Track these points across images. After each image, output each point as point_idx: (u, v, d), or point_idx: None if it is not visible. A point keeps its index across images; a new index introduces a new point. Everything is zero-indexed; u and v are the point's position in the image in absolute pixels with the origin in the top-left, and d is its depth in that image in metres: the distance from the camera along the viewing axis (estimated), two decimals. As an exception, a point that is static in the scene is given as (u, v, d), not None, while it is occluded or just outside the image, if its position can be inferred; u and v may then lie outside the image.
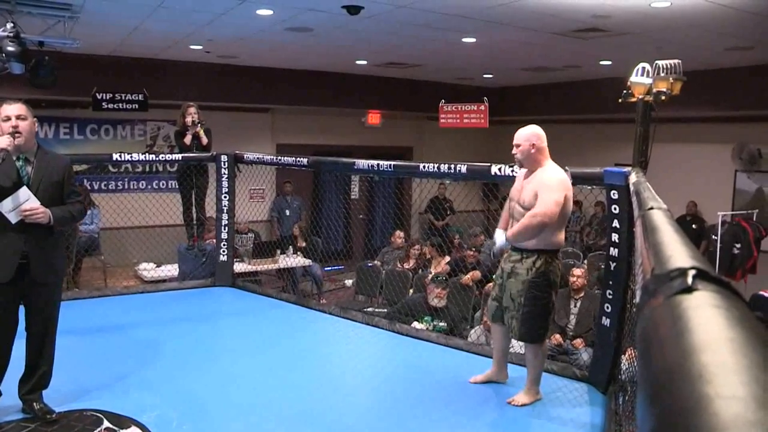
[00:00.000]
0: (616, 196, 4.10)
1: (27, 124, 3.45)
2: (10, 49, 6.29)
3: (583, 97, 10.94)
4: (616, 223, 4.11)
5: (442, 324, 5.99)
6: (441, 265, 7.74)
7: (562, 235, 3.89)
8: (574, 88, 11.14)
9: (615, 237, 4.11)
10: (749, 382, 0.41)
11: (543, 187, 3.75)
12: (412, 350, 5.05)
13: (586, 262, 7.50)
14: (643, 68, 4.39)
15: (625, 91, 4.44)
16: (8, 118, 3.40)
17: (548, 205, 3.68)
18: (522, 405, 3.95)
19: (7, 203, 3.32)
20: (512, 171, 4.56)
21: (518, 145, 3.90)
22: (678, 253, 0.83)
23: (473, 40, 7.67)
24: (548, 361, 4.73)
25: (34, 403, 3.63)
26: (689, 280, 0.61)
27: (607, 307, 4.19)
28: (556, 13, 6.12)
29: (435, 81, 11.92)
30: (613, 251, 4.12)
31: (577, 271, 6.15)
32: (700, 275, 0.63)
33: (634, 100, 4.42)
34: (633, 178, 3.71)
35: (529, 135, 3.91)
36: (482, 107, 9.53)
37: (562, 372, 4.49)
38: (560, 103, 11.65)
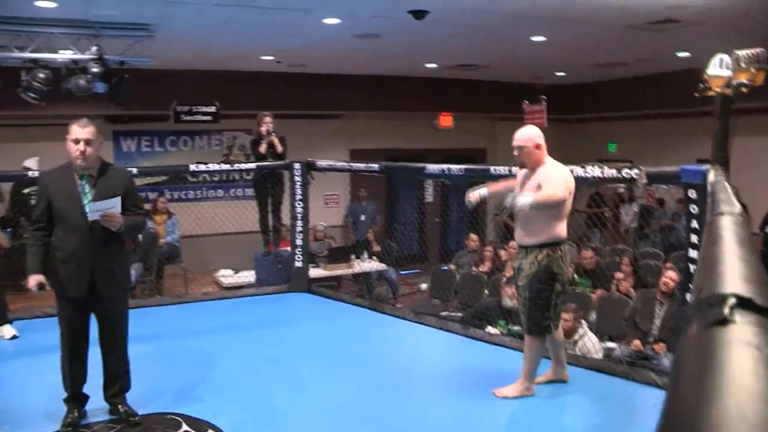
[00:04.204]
0: (694, 196, 3.94)
1: (94, 148, 3.57)
2: (94, 70, 6.65)
3: (661, 90, 10.56)
4: (694, 224, 3.95)
5: (516, 328, 5.89)
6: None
7: (563, 228, 3.87)
8: (651, 82, 10.75)
9: (694, 238, 3.95)
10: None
11: (545, 182, 3.77)
12: (486, 355, 4.99)
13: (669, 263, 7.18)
14: (721, 60, 4.19)
15: (701, 85, 4.25)
16: (77, 141, 3.53)
17: (555, 189, 3.71)
18: (505, 397, 3.98)
19: (97, 204, 3.49)
20: (571, 171, 4.47)
21: (522, 147, 3.87)
22: (730, 273, 0.78)
23: (543, 38, 7.53)
24: (626, 367, 4.59)
25: (119, 406, 3.79)
26: (726, 310, 0.57)
27: (688, 311, 4.02)
28: (627, 6, 5.94)
29: (506, 81, 11.76)
30: (693, 253, 3.96)
31: (671, 274, 5.84)
32: (743, 304, 0.59)
33: (712, 93, 4.23)
34: (711, 176, 3.55)
35: (532, 135, 3.88)
36: (540, 106, 9.32)
37: (640, 379, 4.33)
38: (636, 98, 11.28)
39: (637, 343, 5.59)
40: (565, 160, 4.82)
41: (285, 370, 4.67)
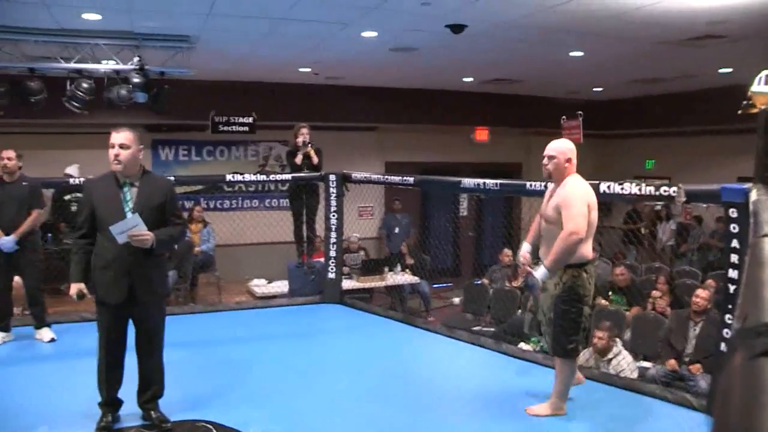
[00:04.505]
0: (735, 215, 3.86)
1: (129, 153, 3.61)
2: (135, 80, 6.80)
3: (702, 107, 10.37)
4: (735, 243, 3.86)
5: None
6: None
7: (588, 247, 3.77)
8: (692, 98, 10.58)
9: (734, 258, 3.86)
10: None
11: (565, 202, 3.70)
12: (519, 372, 4.93)
13: (711, 281, 7.04)
14: (767, 76, 4.10)
15: (744, 102, 4.15)
16: (113, 146, 3.61)
17: (575, 220, 3.62)
18: (537, 415, 3.94)
19: (118, 226, 3.52)
20: (608, 188, 4.47)
21: (553, 157, 3.80)
22: (777, 299, 0.75)
23: (580, 54, 7.48)
24: (661, 387, 4.50)
25: (152, 412, 3.84)
26: (774, 339, 0.55)
27: (727, 333, 3.93)
28: (667, 23, 5.86)
29: (542, 96, 11.69)
30: (733, 273, 3.87)
31: (701, 293, 5.79)
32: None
33: (755, 111, 4.13)
34: (753, 195, 3.48)
35: (566, 149, 3.82)
36: (577, 122, 9.24)
37: (675, 400, 4.24)
38: (676, 115, 11.11)
39: (672, 362, 5.48)
40: (602, 176, 4.79)
41: (316, 382, 4.67)
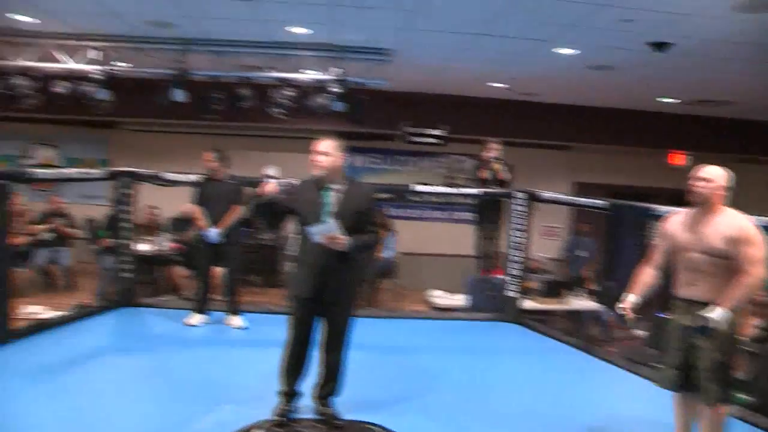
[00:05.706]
0: None
1: (329, 160, 3.85)
2: (334, 90, 7.17)
3: None
4: None
5: (743, 396, 5.27)
6: (747, 323, 6.83)
7: None
8: None
9: None
10: None
11: (745, 238, 3.36)
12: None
13: None
14: None
15: None
16: (314, 153, 3.87)
17: (760, 266, 3.32)
18: None
19: (317, 228, 3.76)
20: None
21: (710, 181, 3.48)
22: None
23: (805, 73, 6.78)
24: None
25: (326, 407, 4.00)
26: None
27: None
28: None
29: (752, 119, 10.70)
30: None
31: None
32: None
33: None
34: None
35: (726, 176, 3.51)
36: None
37: None
38: None
39: None
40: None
41: (486, 400, 4.63)
